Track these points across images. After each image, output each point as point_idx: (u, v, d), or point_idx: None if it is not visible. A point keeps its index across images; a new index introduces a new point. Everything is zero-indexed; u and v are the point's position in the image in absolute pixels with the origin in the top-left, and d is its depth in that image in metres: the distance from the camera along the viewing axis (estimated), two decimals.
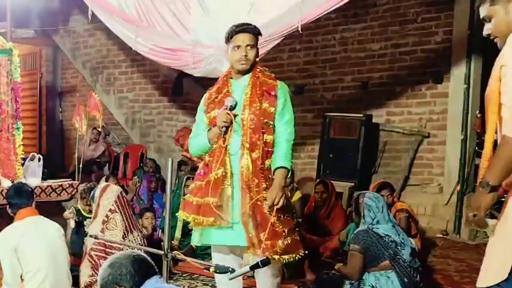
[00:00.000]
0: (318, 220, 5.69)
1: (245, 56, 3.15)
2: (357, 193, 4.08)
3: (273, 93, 3.15)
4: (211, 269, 2.44)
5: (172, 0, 5.91)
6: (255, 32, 3.22)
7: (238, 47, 3.16)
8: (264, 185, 3.07)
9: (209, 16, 5.62)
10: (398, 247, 3.74)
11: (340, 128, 6.84)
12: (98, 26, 8.61)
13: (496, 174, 2.15)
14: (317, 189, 5.78)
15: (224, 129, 3.09)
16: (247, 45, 3.17)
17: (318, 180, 6.24)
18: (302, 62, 7.53)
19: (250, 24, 3.24)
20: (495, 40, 2.38)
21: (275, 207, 3.02)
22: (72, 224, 4.87)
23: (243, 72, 3.22)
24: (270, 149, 3.13)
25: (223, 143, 3.09)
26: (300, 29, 4.95)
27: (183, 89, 8.50)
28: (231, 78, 3.28)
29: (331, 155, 6.82)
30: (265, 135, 3.11)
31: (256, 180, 3.06)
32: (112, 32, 6.71)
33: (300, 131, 7.50)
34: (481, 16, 2.40)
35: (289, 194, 6.24)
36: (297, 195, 6.33)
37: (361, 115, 6.71)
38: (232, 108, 3.12)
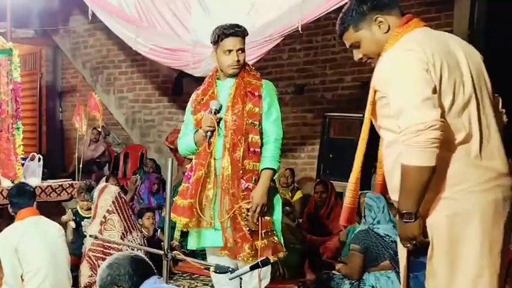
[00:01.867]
0: (318, 220, 5.69)
1: (237, 61, 3.10)
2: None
3: (257, 93, 3.10)
4: (211, 269, 2.44)
5: (173, 0, 5.91)
6: (245, 34, 3.16)
7: (230, 51, 3.09)
8: (244, 186, 3.04)
9: (209, 16, 5.62)
10: None
11: (340, 128, 6.83)
12: (98, 26, 8.60)
13: (411, 202, 2.12)
14: (317, 189, 5.77)
15: (209, 133, 3.06)
16: (238, 50, 3.10)
17: (317, 180, 6.24)
18: (302, 62, 7.52)
19: (240, 27, 3.16)
20: (368, 61, 2.40)
21: (256, 213, 3.00)
22: (72, 224, 4.87)
23: (231, 75, 3.17)
24: (256, 149, 3.08)
25: (209, 148, 3.06)
26: (300, 29, 4.94)
27: (183, 89, 8.48)
28: (217, 79, 3.23)
29: (331, 155, 6.81)
30: (250, 136, 3.07)
31: (236, 182, 3.03)
32: (112, 32, 6.71)
33: (300, 131, 7.58)
34: (348, 45, 2.39)
35: (290, 194, 6.33)
36: (298, 195, 6.35)
37: (361, 115, 6.65)
38: (217, 111, 3.09)
